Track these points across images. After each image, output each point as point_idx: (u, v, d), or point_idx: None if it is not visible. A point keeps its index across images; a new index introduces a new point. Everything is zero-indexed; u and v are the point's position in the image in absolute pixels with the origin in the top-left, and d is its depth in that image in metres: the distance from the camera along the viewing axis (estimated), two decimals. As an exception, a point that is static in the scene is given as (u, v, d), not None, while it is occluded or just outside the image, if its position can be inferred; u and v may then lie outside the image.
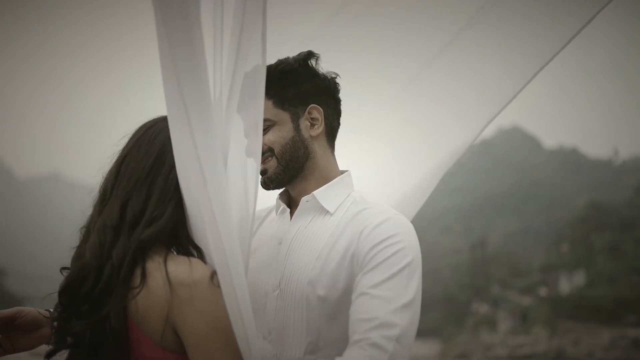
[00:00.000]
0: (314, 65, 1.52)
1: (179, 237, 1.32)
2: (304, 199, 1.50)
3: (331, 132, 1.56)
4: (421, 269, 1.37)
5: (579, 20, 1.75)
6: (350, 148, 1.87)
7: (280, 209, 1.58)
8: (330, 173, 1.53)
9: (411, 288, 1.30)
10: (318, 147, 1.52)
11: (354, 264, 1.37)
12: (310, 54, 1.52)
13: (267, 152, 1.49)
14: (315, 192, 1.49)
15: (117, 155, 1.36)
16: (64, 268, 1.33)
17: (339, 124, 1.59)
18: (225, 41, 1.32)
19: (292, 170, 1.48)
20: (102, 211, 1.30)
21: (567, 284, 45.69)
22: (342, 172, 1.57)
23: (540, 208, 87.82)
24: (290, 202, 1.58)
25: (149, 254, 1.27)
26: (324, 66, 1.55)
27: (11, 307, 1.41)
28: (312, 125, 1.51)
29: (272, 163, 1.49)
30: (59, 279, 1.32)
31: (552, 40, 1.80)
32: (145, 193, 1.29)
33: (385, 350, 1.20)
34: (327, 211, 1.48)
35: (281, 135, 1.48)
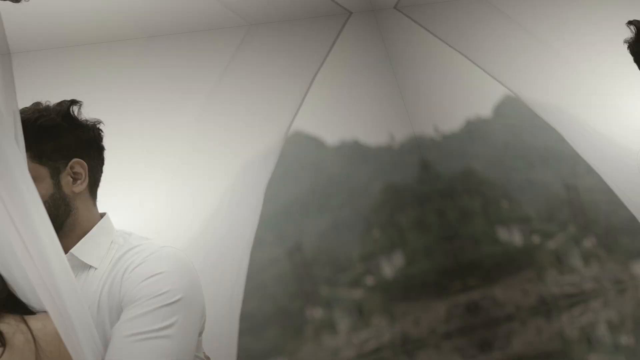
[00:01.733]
0: (75, 114, 1.46)
1: (19, 300, 1.17)
2: None
3: (95, 183, 1.52)
4: (198, 306, 1.32)
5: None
6: (144, 184, 2.04)
7: None
8: (91, 225, 1.46)
9: (166, 324, 1.22)
10: (80, 203, 1.45)
11: (119, 311, 1.28)
12: (72, 103, 1.45)
13: None
14: (72, 250, 1.40)
15: None
16: None
17: (102, 172, 1.55)
18: None
19: None
20: None
21: (389, 267, 46.87)
22: (102, 215, 1.49)
23: (342, 201, 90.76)
24: None
25: None
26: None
27: None
28: (75, 180, 1.44)
29: None
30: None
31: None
32: None
33: None
34: (91, 266, 1.38)
35: (39, 192, 1.27)
